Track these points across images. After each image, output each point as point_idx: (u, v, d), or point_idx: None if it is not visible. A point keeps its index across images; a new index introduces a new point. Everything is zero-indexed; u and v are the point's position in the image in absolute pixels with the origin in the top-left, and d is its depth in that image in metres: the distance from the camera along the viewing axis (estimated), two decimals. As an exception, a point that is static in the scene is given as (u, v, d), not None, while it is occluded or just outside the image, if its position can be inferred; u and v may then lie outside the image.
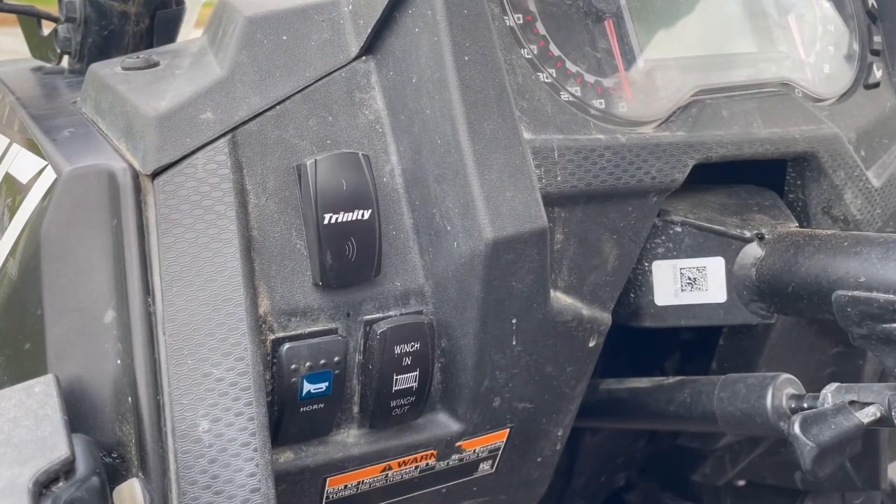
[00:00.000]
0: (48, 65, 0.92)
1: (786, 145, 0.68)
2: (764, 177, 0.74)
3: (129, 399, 0.49)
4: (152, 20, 0.85)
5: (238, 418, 0.50)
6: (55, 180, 0.52)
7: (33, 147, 0.59)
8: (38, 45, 0.93)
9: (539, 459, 0.73)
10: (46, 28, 0.94)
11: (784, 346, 0.84)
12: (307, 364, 0.53)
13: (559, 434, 0.72)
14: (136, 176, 0.52)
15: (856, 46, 0.79)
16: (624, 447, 1.19)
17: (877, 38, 0.79)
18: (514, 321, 0.59)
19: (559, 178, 0.57)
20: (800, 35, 0.75)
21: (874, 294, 0.57)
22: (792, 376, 0.69)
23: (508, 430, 0.67)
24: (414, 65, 0.55)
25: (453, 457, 0.66)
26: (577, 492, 1.17)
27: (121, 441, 0.49)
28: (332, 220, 0.53)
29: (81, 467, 0.41)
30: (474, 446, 0.67)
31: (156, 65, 0.63)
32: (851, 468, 1.05)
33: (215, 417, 0.49)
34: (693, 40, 0.69)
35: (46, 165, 0.55)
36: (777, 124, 0.68)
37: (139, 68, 0.62)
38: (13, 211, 0.57)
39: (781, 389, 0.68)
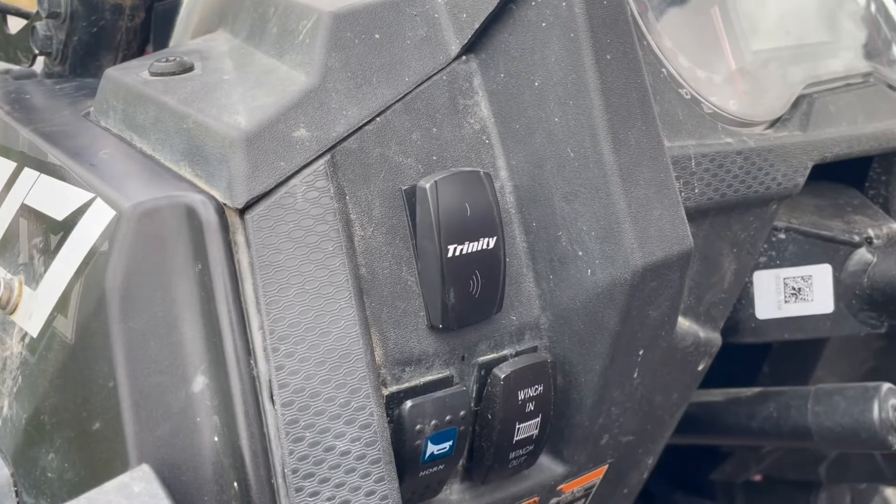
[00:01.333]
0: (15, 67, 0.80)
1: (887, 140, 0.63)
2: (841, 172, 0.70)
3: (235, 485, 0.41)
4: (148, 13, 0.74)
5: (369, 499, 0.41)
6: (115, 218, 0.42)
7: (60, 173, 0.49)
8: (2, 45, 0.81)
9: (626, 491, 0.67)
10: (13, 26, 0.81)
11: (839, 348, 0.80)
12: (433, 423, 0.45)
13: (650, 462, 0.66)
14: (220, 210, 0.42)
15: None
16: None
17: None
18: (640, 352, 0.52)
19: (696, 191, 0.50)
20: (885, 23, 0.71)
21: None
22: (893, 385, 0.65)
23: (608, 465, 0.60)
24: (538, 66, 0.47)
25: (552, 501, 0.59)
26: None
27: None
28: (458, 252, 0.45)
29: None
30: (574, 487, 0.60)
31: (191, 68, 0.53)
32: (882, 461, 1.03)
33: (344, 500, 0.41)
34: (791, 28, 0.63)
35: (94, 198, 0.45)
36: (877, 118, 0.64)
37: (174, 73, 0.52)
38: (49, 254, 0.46)
39: (887, 401, 0.64)
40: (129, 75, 0.54)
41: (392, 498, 0.42)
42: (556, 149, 0.48)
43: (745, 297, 0.64)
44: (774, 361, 0.83)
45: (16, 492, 0.46)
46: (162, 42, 0.74)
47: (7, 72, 0.80)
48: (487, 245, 0.46)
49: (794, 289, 0.63)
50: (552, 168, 0.48)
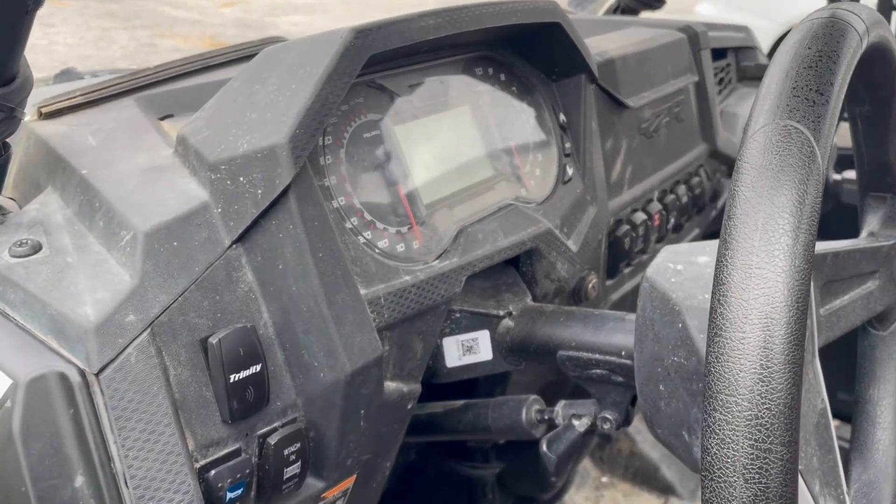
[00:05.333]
0: None
1: (519, 247, 0.99)
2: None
3: None
4: (-14, 168, 0.94)
5: (192, 537, 0.71)
6: (13, 385, 0.68)
7: None
8: None
9: (374, 485, 1.00)
10: None
11: (526, 376, 1.19)
12: (228, 481, 0.75)
13: (388, 465, 1.00)
14: (82, 374, 0.69)
15: (555, 154, 1.12)
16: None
17: (567, 145, 1.13)
18: (362, 412, 0.84)
19: (385, 316, 0.83)
20: (519, 155, 1.07)
21: (581, 353, 0.91)
22: (537, 397, 1.03)
23: (356, 475, 0.93)
24: (279, 256, 0.77)
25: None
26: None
27: None
28: (236, 378, 0.74)
29: None
30: (333, 493, 0.92)
31: (40, 248, 0.78)
32: None
33: (177, 540, 0.70)
34: (453, 179, 0.97)
35: (-9, 369, 0.69)
36: (513, 233, 0.99)
37: (28, 255, 0.76)
38: (-42, 405, 0.70)
39: (531, 407, 1.01)
40: (-8, 257, 0.77)
41: None
42: (295, 305, 0.78)
43: (438, 354, 0.98)
44: (484, 383, 1.20)
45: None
46: (-2, 186, 0.95)
47: None
48: (255, 370, 0.76)
49: (467, 346, 0.98)
50: (294, 315, 0.78)
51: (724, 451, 0.49)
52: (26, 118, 0.88)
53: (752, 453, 0.48)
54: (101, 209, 0.78)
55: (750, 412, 0.48)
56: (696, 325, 0.73)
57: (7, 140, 0.89)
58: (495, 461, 1.56)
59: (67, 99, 0.98)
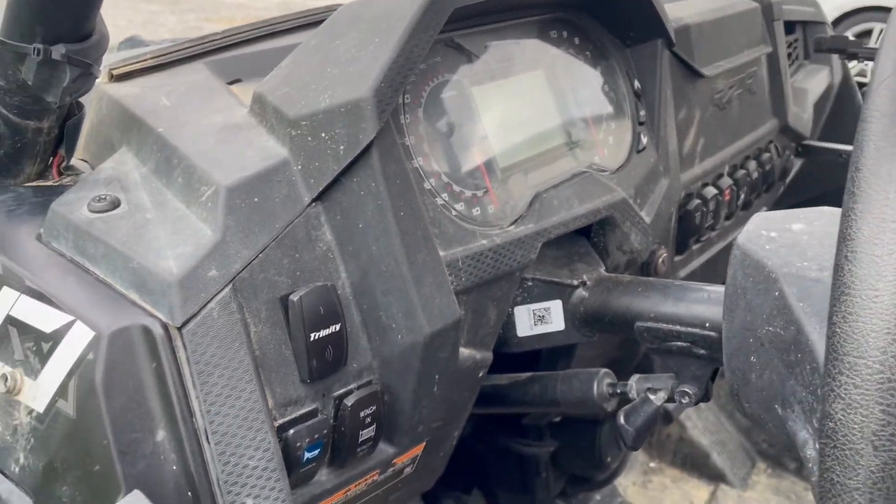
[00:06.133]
0: None
1: (594, 215, 0.97)
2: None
3: (189, 493, 0.68)
4: (61, 129, 0.94)
5: (272, 492, 0.70)
6: (96, 337, 0.67)
7: (39, 296, 0.72)
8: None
9: (442, 454, 0.99)
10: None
11: (597, 348, 1.16)
12: (307, 440, 0.74)
13: (456, 434, 0.98)
14: (165, 327, 0.68)
15: (629, 122, 1.09)
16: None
17: (642, 113, 1.10)
18: (437, 377, 0.83)
19: (463, 279, 0.81)
20: (593, 122, 1.04)
21: (660, 325, 0.88)
22: (608, 370, 1.00)
23: (426, 442, 0.92)
24: (360, 215, 0.75)
25: (389, 470, 0.90)
26: None
27: None
28: (316, 337, 0.73)
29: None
30: (403, 459, 0.91)
31: (118, 203, 0.77)
32: None
33: (256, 495, 0.69)
34: (529, 145, 0.94)
35: (75, 321, 0.69)
36: (588, 201, 0.96)
37: (107, 210, 0.76)
38: (42, 356, 0.70)
39: (602, 381, 0.99)
40: (73, 213, 0.76)
41: (285, 490, 0.70)
42: (374, 265, 0.76)
43: (510, 323, 0.96)
44: (548, 357, 1.18)
45: (36, 513, 0.71)
46: (70, 146, 0.95)
47: None
48: (335, 329, 0.74)
49: (539, 316, 0.96)
50: (374, 275, 0.77)
51: (851, 416, 0.46)
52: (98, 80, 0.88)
53: (884, 419, 0.45)
54: (179, 165, 0.77)
55: (882, 375, 0.45)
56: (795, 293, 0.69)
57: (80, 100, 0.90)
58: (550, 439, 1.54)
59: (138, 62, 0.97)
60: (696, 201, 1.22)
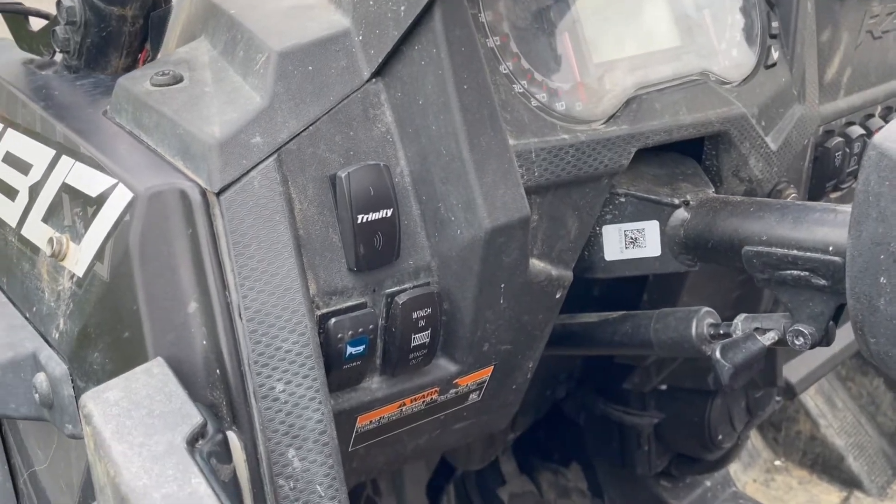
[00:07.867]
0: (37, 58, 0.99)
1: (705, 128, 0.84)
2: (686, 146, 0.91)
3: (218, 371, 0.63)
4: (146, 20, 0.93)
5: (305, 380, 0.64)
6: (133, 199, 0.64)
7: (91, 162, 0.70)
8: (26, 39, 1.00)
9: (514, 387, 0.90)
10: (34, 24, 1.00)
11: (701, 281, 1.03)
12: (349, 333, 0.68)
13: (530, 366, 0.89)
14: (203, 193, 0.64)
15: (758, 32, 0.95)
16: (564, 364, 1.40)
17: (774, 24, 0.96)
18: (502, 286, 0.74)
19: (536, 174, 0.72)
20: (714, 27, 0.91)
21: (773, 249, 0.75)
22: (711, 309, 0.88)
23: (493, 366, 0.83)
24: (420, 89, 0.68)
25: (451, 391, 0.83)
26: (529, 404, 1.37)
27: (214, 403, 0.63)
28: (364, 220, 0.67)
29: (211, 429, 0.55)
30: (467, 381, 0.83)
31: (181, 79, 0.74)
32: (757, 376, 1.28)
33: (287, 380, 0.64)
34: (631, 41, 0.84)
35: (117, 183, 0.66)
36: (698, 110, 0.84)
37: (168, 84, 0.73)
38: (87, 220, 0.68)
39: (703, 320, 0.86)
40: (136, 85, 0.74)
41: (319, 380, 0.64)
42: (434, 147, 0.69)
43: (596, 244, 0.86)
44: (651, 291, 1.06)
45: (72, 379, 0.69)
46: (157, 41, 0.94)
47: (31, 62, 0.99)
48: (386, 214, 0.68)
49: (631, 238, 0.85)
50: (433, 160, 0.70)
51: None
52: None
53: None
54: (242, 40, 0.73)
55: None
56: None
57: None
58: (654, 409, 1.41)
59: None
60: (838, 139, 1.06)
